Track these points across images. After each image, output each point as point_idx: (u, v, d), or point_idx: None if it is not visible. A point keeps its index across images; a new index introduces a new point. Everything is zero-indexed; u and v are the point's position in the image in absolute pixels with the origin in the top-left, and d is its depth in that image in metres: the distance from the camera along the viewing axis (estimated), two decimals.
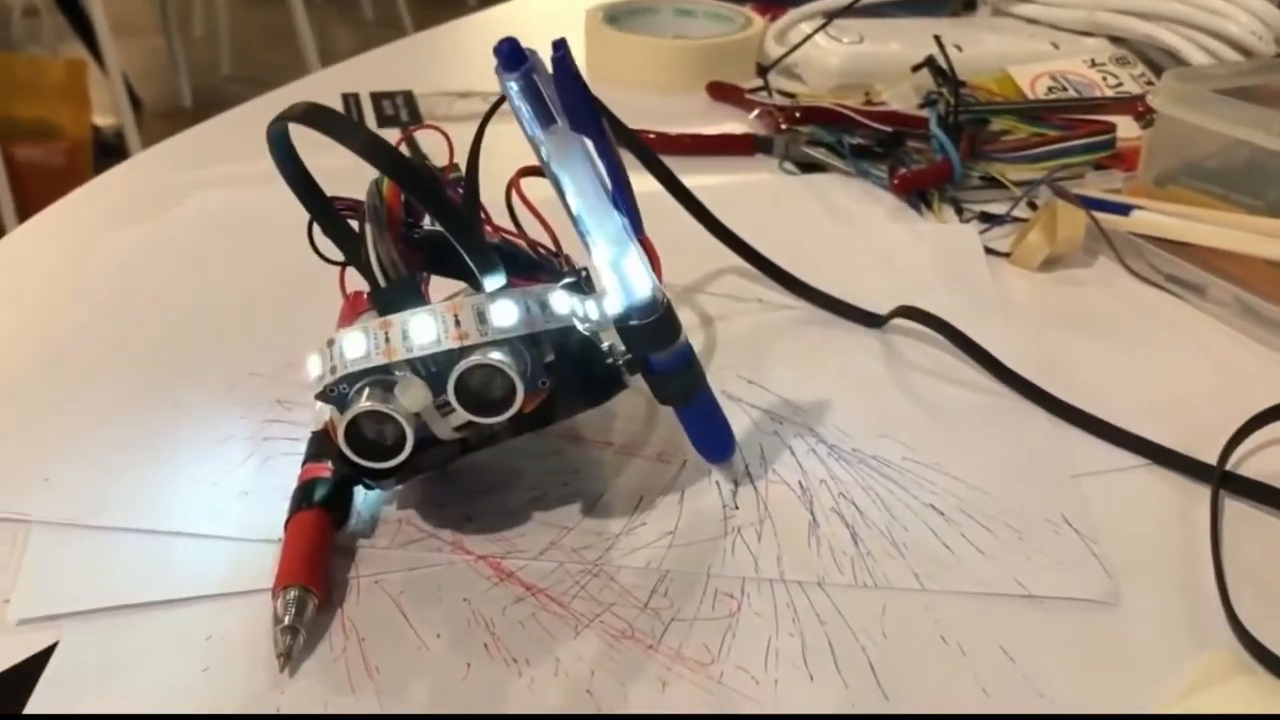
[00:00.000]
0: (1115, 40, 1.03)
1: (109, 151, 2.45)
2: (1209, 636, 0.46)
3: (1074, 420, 0.57)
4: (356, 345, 0.45)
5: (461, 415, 0.45)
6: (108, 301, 0.66)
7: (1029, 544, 0.49)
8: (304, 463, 0.50)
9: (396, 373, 0.44)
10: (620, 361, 0.48)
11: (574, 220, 0.47)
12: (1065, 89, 0.97)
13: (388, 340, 0.44)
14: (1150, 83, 0.98)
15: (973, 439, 0.56)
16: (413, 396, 0.44)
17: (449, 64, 1.11)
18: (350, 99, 0.97)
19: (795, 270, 0.68)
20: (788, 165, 0.88)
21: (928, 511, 0.51)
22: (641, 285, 0.47)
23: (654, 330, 0.48)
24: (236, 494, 0.51)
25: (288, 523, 0.47)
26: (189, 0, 3.85)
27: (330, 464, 0.49)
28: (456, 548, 0.48)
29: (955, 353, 0.62)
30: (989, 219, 0.79)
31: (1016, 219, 0.78)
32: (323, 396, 0.45)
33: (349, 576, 0.46)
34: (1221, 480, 0.53)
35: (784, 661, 0.43)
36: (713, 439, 0.52)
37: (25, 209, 2.18)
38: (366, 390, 0.44)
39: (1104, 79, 0.98)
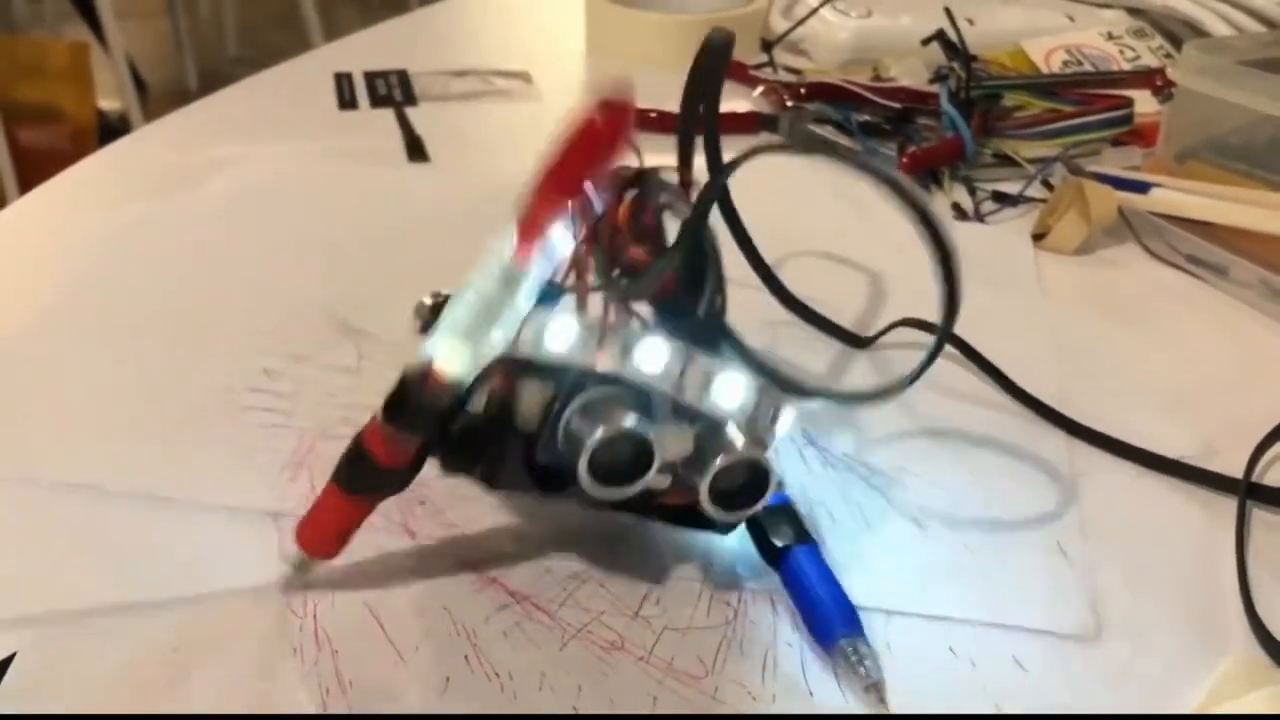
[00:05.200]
0: (1133, 12, 1.00)
1: (113, 135, 2.42)
2: (1229, 647, 0.43)
3: (1089, 439, 0.54)
4: (655, 358, 0.40)
5: (661, 481, 0.41)
6: (110, 270, 0.65)
7: (1011, 569, 0.46)
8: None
9: (658, 412, 0.40)
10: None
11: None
12: (1081, 63, 0.94)
13: (683, 375, 0.40)
14: (1169, 56, 0.95)
15: (977, 454, 0.53)
16: (677, 447, 0.41)
17: (445, 42, 1.08)
18: (343, 78, 0.95)
19: (818, 266, 0.66)
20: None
21: (907, 525, 0.48)
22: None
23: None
24: (202, 459, 0.50)
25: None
26: None
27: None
28: (437, 553, 0.46)
29: (971, 364, 0.59)
30: (1002, 198, 0.76)
31: (1031, 199, 0.75)
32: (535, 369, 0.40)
33: (322, 583, 0.44)
34: (1248, 491, 0.50)
35: (782, 675, 0.41)
36: (831, 595, 0.43)
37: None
38: (614, 406, 0.40)
39: (1121, 52, 0.95)
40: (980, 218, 0.74)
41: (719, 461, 0.40)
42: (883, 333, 0.60)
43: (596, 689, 0.40)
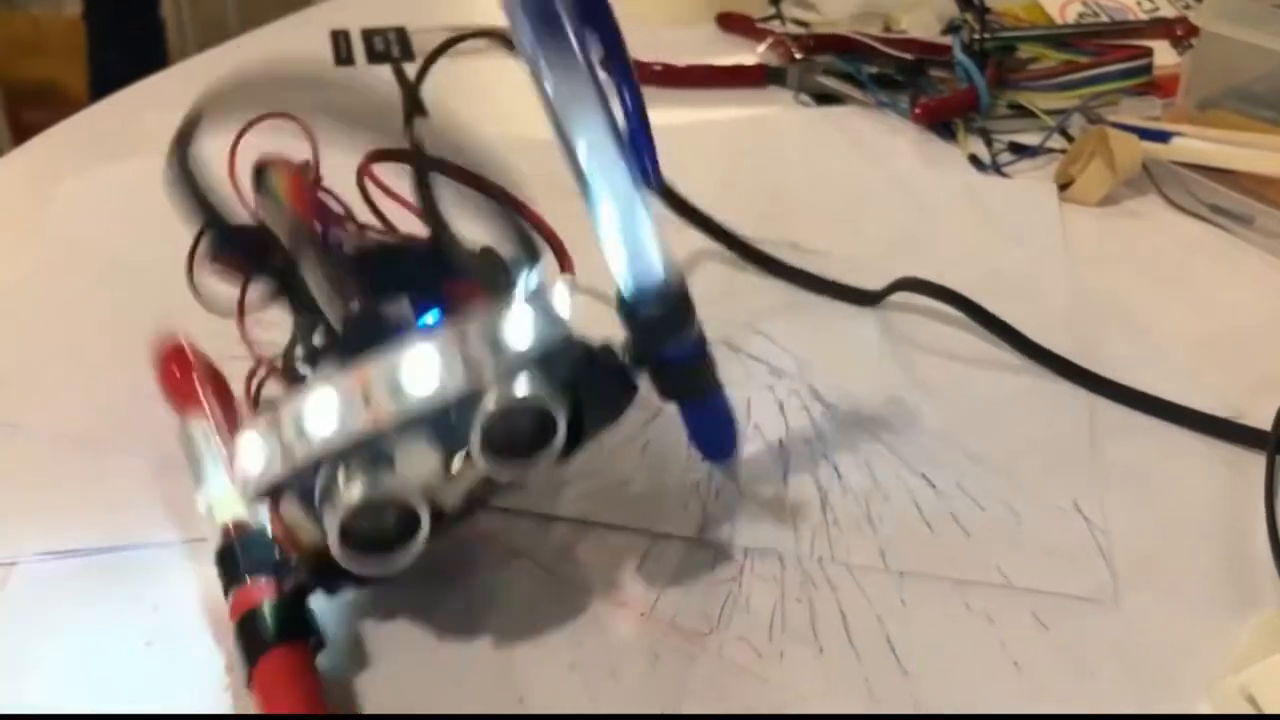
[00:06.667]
0: None
1: None
2: (1259, 606, 0.41)
3: (1112, 395, 0.51)
4: (325, 414, 0.33)
5: (479, 471, 0.35)
6: (98, 225, 0.63)
7: (1025, 529, 0.44)
8: (227, 588, 0.37)
9: (383, 439, 0.34)
10: (627, 360, 0.38)
11: (579, 178, 0.37)
12: (1097, 14, 0.91)
13: (368, 399, 0.33)
14: (1188, 6, 0.92)
15: (993, 411, 0.50)
16: (420, 464, 0.35)
17: None
18: (340, 36, 0.92)
19: (839, 224, 0.63)
20: (803, 97, 0.82)
21: (918, 482, 0.46)
22: (654, 262, 0.38)
23: (668, 319, 0.38)
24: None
25: (249, 673, 0.35)
26: None
27: (272, 579, 0.37)
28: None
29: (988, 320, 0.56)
30: (1019, 150, 0.73)
31: (1050, 149, 0.73)
32: (272, 493, 0.35)
33: None
34: (1278, 446, 0.47)
35: (790, 632, 0.39)
36: (716, 436, 0.45)
37: None
38: (346, 474, 0.33)
39: (1138, 3, 0.92)
40: (998, 169, 0.72)
41: (478, 429, 0.34)
42: (887, 292, 0.57)
43: (595, 646, 0.38)
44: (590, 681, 0.37)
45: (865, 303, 0.57)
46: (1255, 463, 0.47)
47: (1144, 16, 0.90)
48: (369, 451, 0.34)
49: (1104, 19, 0.90)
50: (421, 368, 0.34)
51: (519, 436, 0.35)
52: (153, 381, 0.48)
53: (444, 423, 0.35)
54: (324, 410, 0.33)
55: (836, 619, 0.39)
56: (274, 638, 0.35)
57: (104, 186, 0.67)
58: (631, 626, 0.39)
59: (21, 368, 0.51)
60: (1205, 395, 0.51)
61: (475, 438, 0.34)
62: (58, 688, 0.37)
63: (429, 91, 0.83)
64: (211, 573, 0.40)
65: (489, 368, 0.34)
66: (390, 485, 0.33)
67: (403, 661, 0.38)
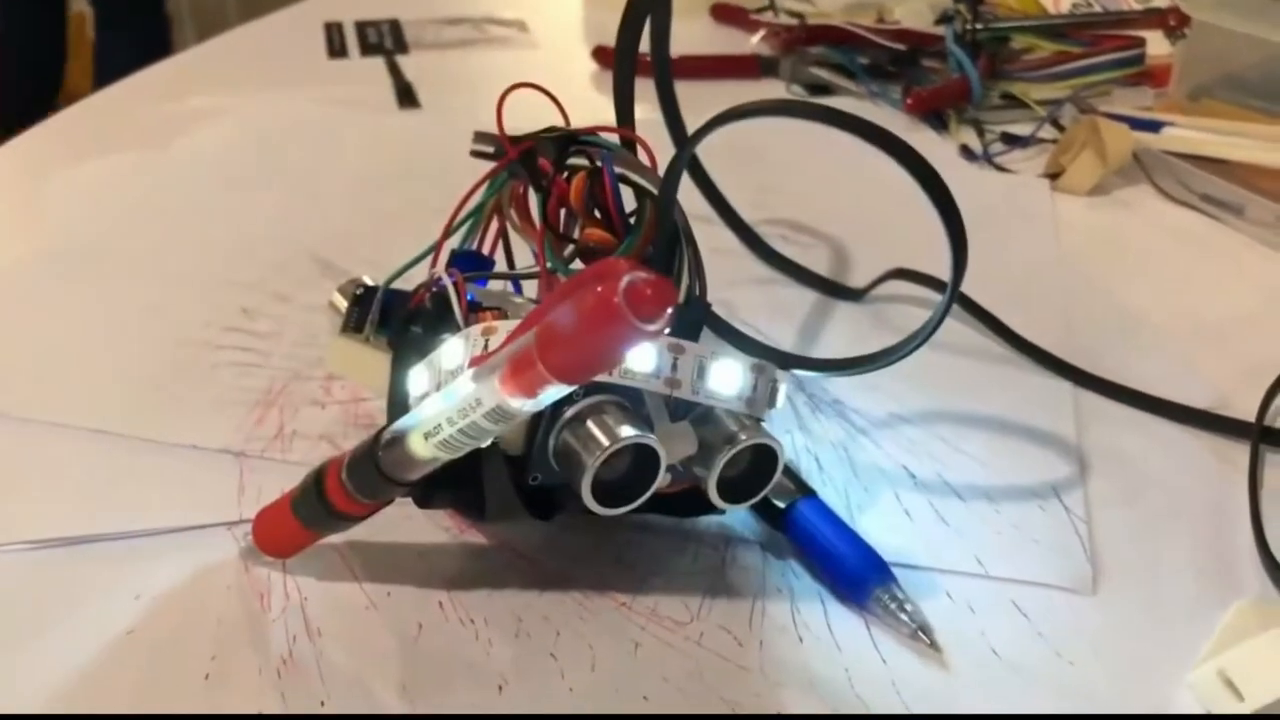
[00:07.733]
0: None
1: None
2: (1242, 594, 0.41)
3: (1097, 388, 0.51)
4: (642, 356, 0.35)
5: (663, 481, 0.37)
6: (94, 215, 0.64)
7: (1004, 518, 0.44)
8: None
9: (654, 414, 0.37)
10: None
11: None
12: (1090, 4, 0.91)
13: (675, 369, 0.36)
14: None
15: (975, 400, 0.50)
16: (682, 448, 0.37)
17: None
18: (334, 27, 0.92)
19: (829, 214, 0.63)
20: (795, 88, 0.82)
21: (898, 472, 0.46)
22: None
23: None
24: (172, 397, 0.49)
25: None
26: None
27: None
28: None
29: (974, 313, 0.56)
30: (1011, 140, 0.73)
31: (1042, 139, 0.73)
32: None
33: None
34: (1262, 436, 0.48)
35: (770, 622, 0.39)
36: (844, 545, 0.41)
37: None
38: (608, 414, 0.36)
39: None
40: (990, 159, 0.72)
41: (726, 454, 0.37)
42: (875, 284, 0.58)
43: (575, 635, 0.38)
44: (570, 669, 0.37)
45: (852, 297, 0.57)
46: (1239, 452, 0.47)
47: (1137, 6, 0.90)
48: (648, 411, 0.37)
49: (1097, 9, 0.90)
50: (726, 372, 0.37)
51: (737, 470, 0.38)
52: (140, 369, 0.48)
53: (707, 420, 0.38)
54: (641, 354, 0.36)
55: (817, 607, 0.39)
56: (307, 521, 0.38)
57: (99, 178, 0.67)
58: (612, 615, 0.39)
59: (8, 356, 0.51)
60: (1194, 383, 0.51)
61: (722, 456, 0.37)
62: (38, 675, 0.37)
63: (423, 81, 0.83)
64: (193, 561, 0.40)
65: (759, 408, 0.38)
66: (653, 445, 0.36)
67: (383, 647, 0.38)
